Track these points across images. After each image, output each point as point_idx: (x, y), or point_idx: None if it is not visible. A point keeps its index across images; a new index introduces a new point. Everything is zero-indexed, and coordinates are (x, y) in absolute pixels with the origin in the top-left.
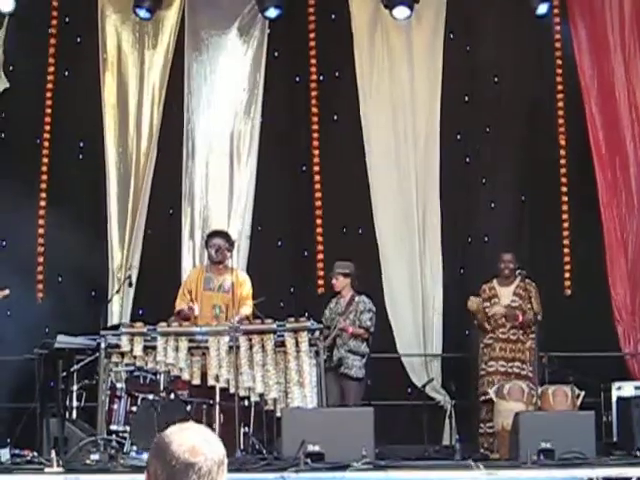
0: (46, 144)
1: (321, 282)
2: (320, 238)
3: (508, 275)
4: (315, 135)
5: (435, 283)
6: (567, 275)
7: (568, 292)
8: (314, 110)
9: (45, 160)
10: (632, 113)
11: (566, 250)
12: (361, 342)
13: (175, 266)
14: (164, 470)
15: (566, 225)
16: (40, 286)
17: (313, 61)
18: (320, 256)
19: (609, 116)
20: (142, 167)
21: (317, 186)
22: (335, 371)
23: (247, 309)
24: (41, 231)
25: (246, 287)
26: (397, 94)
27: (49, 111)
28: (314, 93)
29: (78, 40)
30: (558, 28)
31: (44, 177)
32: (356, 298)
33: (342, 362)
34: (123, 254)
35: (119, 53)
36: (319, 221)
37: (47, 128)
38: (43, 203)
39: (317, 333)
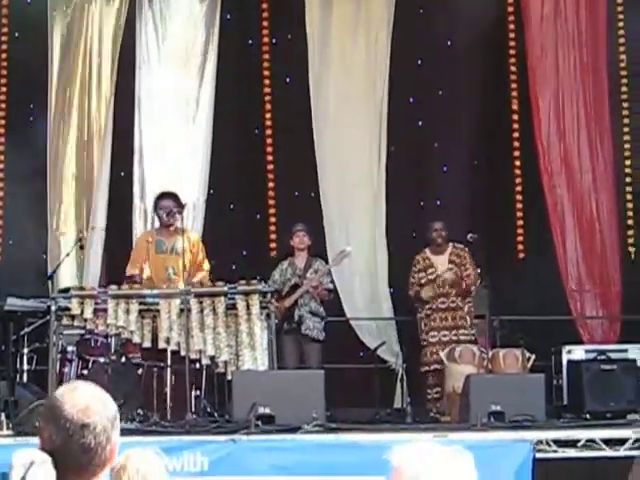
0: (3, 105)
1: (273, 245)
2: (272, 202)
3: (440, 243)
4: (267, 98)
5: (381, 248)
6: (520, 239)
7: (521, 255)
8: (266, 73)
9: (2, 122)
10: (577, 78)
11: (519, 214)
12: (319, 304)
13: (126, 229)
14: (59, 434)
15: (519, 189)
16: None
17: (266, 23)
18: (273, 219)
19: (553, 84)
20: (94, 129)
21: (269, 149)
22: (295, 333)
23: (202, 273)
24: (0, 194)
25: (199, 250)
26: (348, 57)
27: (4, 72)
28: (267, 56)
29: (28, 1)
30: None
31: (2, 140)
32: (314, 260)
33: (302, 321)
34: (63, 216)
35: (70, 11)
36: (271, 184)
37: (3, 90)
38: (1, 166)
39: (268, 296)
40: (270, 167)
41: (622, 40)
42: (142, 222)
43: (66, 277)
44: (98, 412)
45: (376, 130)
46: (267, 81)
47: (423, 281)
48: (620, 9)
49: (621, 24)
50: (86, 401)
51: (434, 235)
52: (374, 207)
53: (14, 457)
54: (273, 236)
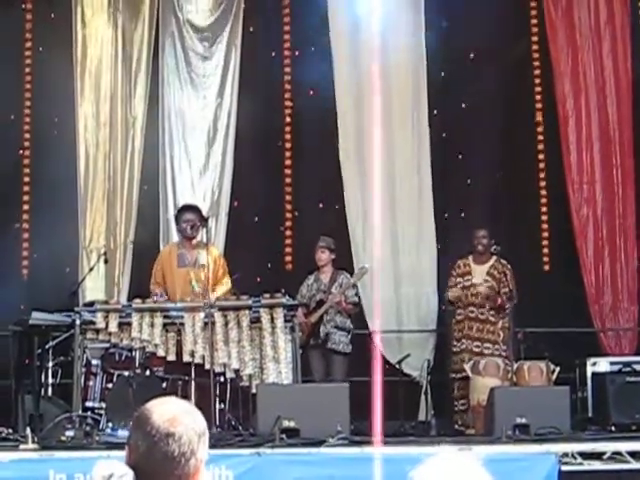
0: (27, 119)
1: (289, 258)
2: (289, 215)
3: (482, 252)
4: (291, 110)
5: (413, 259)
6: (545, 251)
7: (546, 268)
8: (289, 85)
9: (27, 136)
10: (601, 93)
11: (544, 226)
12: (346, 318)
13: (152, 242)
14: (144, 440)
15: (544, 201)
16: (25, 262)
17: (287, 36)
18: (288, 232)
19: (577, 95)
20: (120, 145)
21: (290, 162)
22: (321, 347)
23: (224, 288)
24: (26, 207)
25: (220, 265)
26: (372, 70)
27: (28, 86)
28: (289, 69)
29: (52, 16)
30: (534, 4)
31: (27, 153)
32: (338, 274)
33: (329, 338)
34: (93, 231)
35: (94, 29)
36: (293, 197)
37: (27, 104)
38: (27, 179)
39: (293, 309)
40: (293, 179)
41: None
42: (168, 235)
43: (95, 291)
44: (185, 424)
45: (407, 142)
46: (290, 93)
47: (459, 286)
48: None
49: None
50: (174, 412)
51: (475, 242)
52: (418, 217)
53: (94, 469)
54: (289, 249)
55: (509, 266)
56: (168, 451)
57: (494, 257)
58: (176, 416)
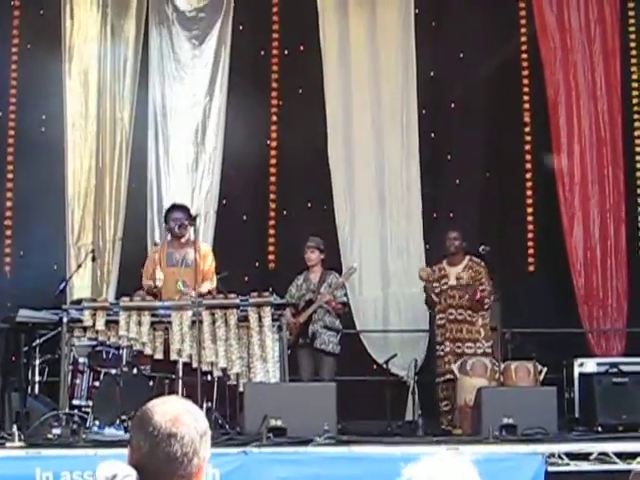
0: (12, 116)
1: (277, 258)
2: (278, 214)
3: (454, 252)
4: (280, 109)
5: (402, 259)
6: (531, 252)
7: (531, 268)
8: (278, 84)
9: (11, 132)
10: (591, 94)
11: (530, 227)
12: (335, 318)
13: (140, 240)
14: (147, 441)
15: (530, 202)
16: (8, 259)
17: (277, 35)
18: (277, 232)
19: (568, 97)
20: (108, 142)
21: (278, 162)
22: (310, 347)
23: (208, 285)
24: (9, 204)
25: (208, 261)
26: (362, 69)
27: (14, 83)
28: (277, 67)
29: (41, 12)
30: (523, 5)
31: (10, 149)
32: (328, 274)
33: (316, 336)
34: (81, 228)
35: (83, 26)
36: (279, 197)
37: (12, 101)
38: (10, 176)
39: (280, 308)
40: (281, 179)
41: (634, 52)
42: (156, 233)
43: (82, 289)
44: (187, 424)
45: (396, 141)
46: (279, 92)
47: (437, 291)
48: (632, 21)
49: (632, 35)
50: (176, 412)
51: (447, 244)
52: (406, 217)
53: (98, 469)
54: (277, 249)
55: (483, 264)
56: (171, 452)
57: (467, 257)
58: (178, 416)
